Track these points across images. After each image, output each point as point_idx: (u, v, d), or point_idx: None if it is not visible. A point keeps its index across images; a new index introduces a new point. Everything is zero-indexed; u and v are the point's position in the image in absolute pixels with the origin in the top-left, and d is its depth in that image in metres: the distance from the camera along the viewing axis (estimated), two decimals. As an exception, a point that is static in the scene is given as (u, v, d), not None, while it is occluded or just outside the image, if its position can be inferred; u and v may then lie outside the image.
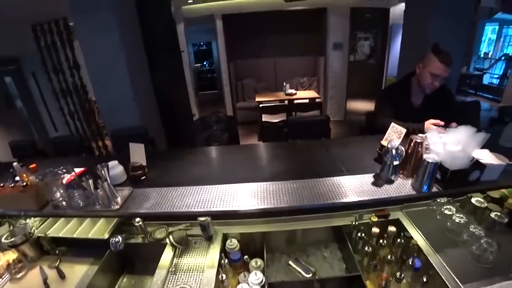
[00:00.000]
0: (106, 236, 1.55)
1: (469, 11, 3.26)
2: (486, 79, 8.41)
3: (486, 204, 1.55)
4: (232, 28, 5.95)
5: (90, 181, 1.53)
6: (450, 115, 1.76)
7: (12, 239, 1.43)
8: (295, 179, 1.32)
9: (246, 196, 1.31)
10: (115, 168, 1.75)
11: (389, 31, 6.45)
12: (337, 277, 1.35)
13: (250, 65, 6.68)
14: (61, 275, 1.42)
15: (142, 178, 1.73)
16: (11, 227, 1.56)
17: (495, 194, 1.65)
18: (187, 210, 1.27)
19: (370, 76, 7.23)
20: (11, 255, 1.45)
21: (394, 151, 1.24)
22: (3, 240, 1.45)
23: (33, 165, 1.71)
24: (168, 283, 1.35)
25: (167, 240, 1.52)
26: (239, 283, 1.36)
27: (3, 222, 1.62)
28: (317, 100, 5.43)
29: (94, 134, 4.09)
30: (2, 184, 1.56)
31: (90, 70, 2.94)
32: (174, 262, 1.45)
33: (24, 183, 1.57)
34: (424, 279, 1.24)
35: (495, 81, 8.26)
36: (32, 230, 1.52)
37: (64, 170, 1.67)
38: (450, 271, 1.28)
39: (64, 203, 1.62)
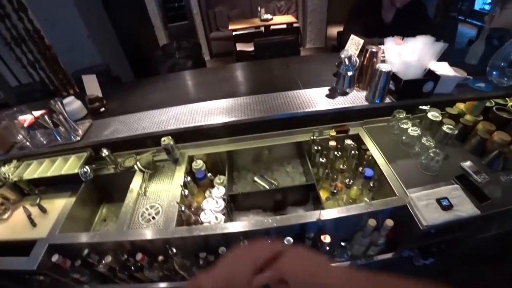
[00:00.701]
0: (77, 170, 1.58)
1: None
2: (478, 5, 7.89)
3: (440, 118, 1.60)
4: None
5: (46, 117, 1.50)
6: (422, 33, 1.70)
7: (-12, 185, 1.48)
8: (252, 95, 1.32)
9: (204, 113, 1.31)
10: (72, 103, 1.70)
11: None
12: (293, 186, 1.45)
13: (221, -11, 6.01)
14: (43, 210, 1.51)
15: (101, 109, 1.69)
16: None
17: (453, 110, 1.69)
18: (143, 132, 1.28)
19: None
20: None
21: (347, 61, 1.22)
22: (-20, 187, 1.51)
23: None
24: (139, 203, 1.44)
25: (136, 167, 1.57)
26: (205, 198, 1.47)
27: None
28: (295, 25, 5.09)
29: (63, 83, 3.82)
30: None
31: (34, 9, 2.62)
32: (143, 185, 1.52)
33: None
34: (372, 184, 1.34)
35: (487, 7, 7.78)
36: (7, 175, 1.55)
37: (19, 113, 1.62)
38: (398, 178, 1.38)
39: (28, 143, 1.62)
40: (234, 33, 4.55)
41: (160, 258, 1.21)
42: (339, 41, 2.32)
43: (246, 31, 4.64)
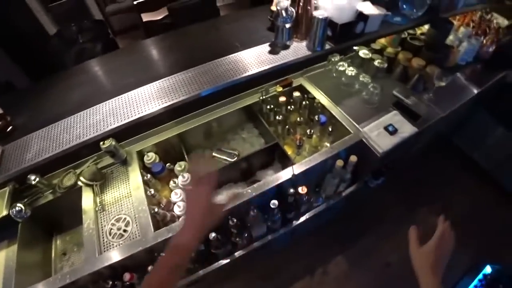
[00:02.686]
0: (5, 212, 1.27)
1: None
2: None
3: (370, 55, 1.73)
4: None
5: None
6: None
7: None
8: (192, 67, 1.19)
9: (141, 101, 1.15)
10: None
11: None
12: (257, 151, 1.44)
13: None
14: None
15: (9, 129, 1.35)
16: None
17: (376, 46, 1.84)
18: (80, 141, 1.07)
19: None
20: None
21: (284, 13, 1.17)
22: None
23: None
24: (101, 222, 1.26)
25: (79, 182, 1.35)
26: (171, 191, 1.37)
27: None
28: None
29: None
30: None
31: None
32: (97, 200, 1.33)
33: None
34: (330, 129, 1.43)
35: None
36: None
37: None
38: (348, 117, 1.48)
39: None
40: (135, 2, 3.95)
41: (150, 267, 1.12)
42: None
43: (148, -2, 4.06)
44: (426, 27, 1.88)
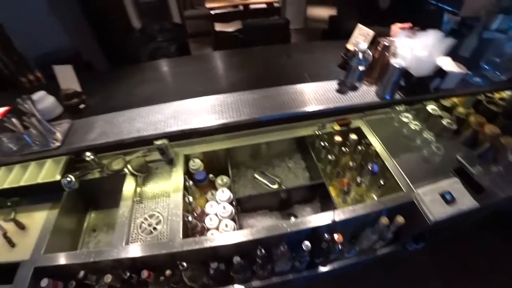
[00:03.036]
0: (58, 177, 1.38)
1: None
2: None
3: (439, 112, 1.62)
4: None
5: (14, 120, 1.26)
6: (419, 19, 1.65)
7: None
8: (256, 89, 1.21)
9: (203, 111, 1.18)
10: (44, 99, 1.44)
11: None
12: (302, 186, 1.41)
13: (196, -38, 5.54)
14: (20, 226, 1.30)
15: (81, 106, 1.48)
16: None
17: (446, 103, 1.73)
18: (138, 135, 1.13)
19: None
20: None
21: (361, 55, 1.14)
22: None
23: None
24: (135, 213, 1.31)
25: (126, 170, 1.42)
26: (207, 201, 1.37)
27: None
28: (275, 5, 4.88)
29: (20, 67, 3.31)
30: None
31: None
32: (137, 191, 1.38)
33: None
34: (382, 182, 1.33)
35: None
36: None
37: None
38: (402, 173, 1.39)
39: (-6, 151, 1.38)
40: (212, 12, 4.25)
41: (168, 272, 1.12)
42: (333, 27, 2.23)
43: (224, 10, 4.34)
44: (508, 92, 1.72)
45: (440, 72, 1.26)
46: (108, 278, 1.07)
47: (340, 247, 1.27)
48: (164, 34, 2.50)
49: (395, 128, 1.63)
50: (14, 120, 1.23)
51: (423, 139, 1.52)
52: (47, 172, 1.38)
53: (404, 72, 1.20)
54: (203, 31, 5.32)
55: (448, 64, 1.31)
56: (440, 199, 1.31)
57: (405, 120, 1.59)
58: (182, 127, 1.13)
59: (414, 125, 1.56)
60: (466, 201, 1.31)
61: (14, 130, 1.28)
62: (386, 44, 1.20)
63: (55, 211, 1.33)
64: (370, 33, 1.28)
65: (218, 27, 4.21)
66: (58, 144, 1.24)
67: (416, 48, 1.20)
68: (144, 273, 1.07)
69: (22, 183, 1.33)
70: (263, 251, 1.09)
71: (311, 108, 1.11)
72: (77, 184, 1.31)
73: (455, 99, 1.77)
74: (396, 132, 1.60)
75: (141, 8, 4.93)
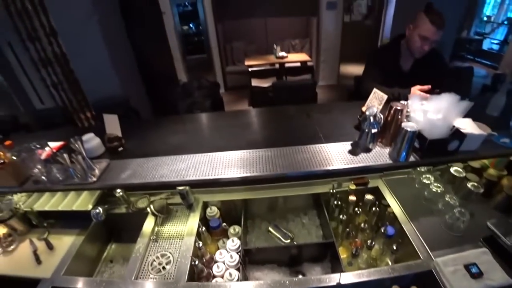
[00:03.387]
0: (89, 207, 1.55)
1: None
2: (486, 45, 7.93)
3: (464, 174, 1.55)
4: (219, -15, 5.53)
5: (65, 156, 1.50)
6: (441, 81, 1.69)
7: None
8: (273, 147, 1.30)
9: (223, 165, 1.29)
10: (91, 140, 1.70)
11: (388, -13, 6.04)
12: (312, 244, 1.39)
13: (239, 26, 6.27)
14: (50, 246, 1.47)
15: (120, 149, 1.70)
16: (-1, 204, 1.57)
17: (475, 164, 1.64)
18: (161, 180, 1.26)
19: (366, 38, 6.91)
20: (1, 230, 1.50)
21: (372, 119, 1.20)
22: (-10, 216, 1.49)
23: (8, 142, 1.67)
24: (149, 250, 1.38)
25: (148, 209, 1.54)
26: (218, 248, 1.41)
27: (-9, 201, 1.65)
28: (309, 63, 5.23)
29: (81, 106, 3.91)
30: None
31: (64, 37, 2.76)
32: (155, 230, 1.47)
33: (1, 161, 1.55)
34: (394, 247, 1.27)
35: (495, 47, 7.79)
36: (18, 205, 1.55)
37: (38, 146, 1.64)
38: (421, 239, 1.31)
39: (43, 177, 1.61)
40: (250, 69, 4.69)
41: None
42: (357, 87, 2.34)
43: (261, 68, 4.77)
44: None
45: (457, 135, 1.25)
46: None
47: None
48: (201, 91, 2.83)
49: (415, 189, 1.57)
50: (65, 155, 1.46)
51: (446, 203, 1.44)
52: (82, 201, 1.56)
53: (418, 135, 1.22)
54: (241, 85, 5.83)
55: (468, 126, 1.29)
56: (464, 272, 1.19)
57: (426, 181, 1.54)
58: (200, 177, 1.24)
59: (436, 187, 1.50)
60: (496, 276, 1.17)
61: (62, 163, 1.51)
62: (399, 108, 1.25)
63: (81, 237, 1.48)
64: (384, 97, 1.35)
65: (254, 82, 4.60)
66: (94, 179, 1.42)
67: (430, 112, 1.22)
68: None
69: (59, 208, 1.52)
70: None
71: (322, 168, 1.16)
72: (104, 216, 1.45)
73: (485, 160, 1.67)
74: (417, 194, 1.54)
75: (188, 64, 5.65)
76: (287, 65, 5.10)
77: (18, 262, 1.41)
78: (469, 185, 1.47)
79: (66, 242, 1.47)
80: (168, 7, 5.13)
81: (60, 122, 2.71)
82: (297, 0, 5.95)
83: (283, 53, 5.24)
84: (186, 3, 8.40)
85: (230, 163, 1.28)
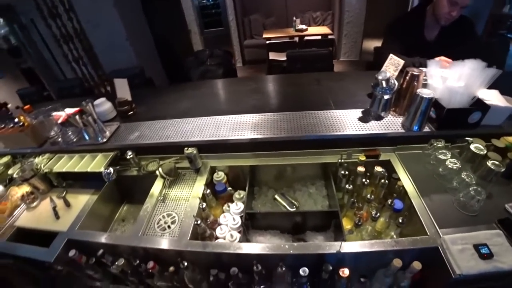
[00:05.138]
0: (102, 169, 1.62)
1: None
2: None
3: (485, 152, 1.43)
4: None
5: (77, 117, 1.56)
6: (470, 53, 1.55)
7: (22, 174, 1.60)
8: (281, 112, 1.27)
9: (230, 127, 1.29)
10: (103, 104, 1.75)
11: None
12: (315, 211, 1.37)
13: (257, -3, 6.04)
14: (67, 204, 1.59)
15: (130, 113, 1.73)
16: (22, 166, 1.69)
17: (500, 143, 1.46)
18: (167, 141, 1.28)
19: (392, 11, 6.43)
20: (25, 188, 1.65)
21: (384, 83, 1.13)
22: (15, 175, 1.65)
23: (27, 107, 1.76)
24: (156, 210, 1.44)
25: (157, 172, 1.58)
26: (223, 212, 1.44)
27: (16, 162, 1.84)
28: (330, 37, 4.98)
29: (102, 80, 4.02)
30: (3, 126, 1.64)
31: (80, 10, 2.81)
32: (163, 192, 1.52)
33: (21, 123, 1.65)
34: (400, 220, 1.22)
35: None
36: (39, 166, 1.66)
37: (54, 111, 1.71)
38: (430, 215, 1.24)
39: (60, 139, 1.70)
40: (267, 42, 4.55)
41: (171, 269, 1.19)
42: (376, 58, 2.20)
43: (280, 40, 4.61)
44: None
45: (480, 105, 1.15)
46: (121, 261, 1.21)
47: (346, 284, 1.18)
48: (214, 59, 2.80)
49: (430, 165, 1.49)
50: (77, 117, 1.51)
51: (462, 181, 1.36)
52: (96, 163, 1.63)
53: (435, 103, 1.14)
54: (260, 59, 5.70)
55: (493, 97, 1.19)
56: (472, 251, 1.12)
57: (443, 158, 1.45)
58: (203, 138, 1.25)
59: (454, 164, 1.41)
60: (508, 259, 1.11)
61: (76, 126, 1.57)
62: (415, 73, 1.17)
63: (94, 196, 1.57)
64: (401, 62, 1.27)
65: (272, 56, 4.47)
66: (104, 140, 1.47)
67: (450, 79, 1.13)
68: (150, 264, 1.16)
69: (76, 170, 1.61)
70: (259, 267, 1.08)
71: (328, 133, 1.13)
72: (114, 176, 1.51)
73: (510, 139, 1.54)
74: (431, 170, 1.46)
75: (205, 37, 5.56)
76: (306, 38, 4.89)
77: (39, 217, 1.55)
78: (489, 163, 1.36)
79: (81, 200, 1.58)
80: (185, -21, 5.01)
81: (80, 94, 2.82)
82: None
83: (303, 26, 5.01)
84: (203, -26, 8.12)
85: (236, 126, 1.27)
